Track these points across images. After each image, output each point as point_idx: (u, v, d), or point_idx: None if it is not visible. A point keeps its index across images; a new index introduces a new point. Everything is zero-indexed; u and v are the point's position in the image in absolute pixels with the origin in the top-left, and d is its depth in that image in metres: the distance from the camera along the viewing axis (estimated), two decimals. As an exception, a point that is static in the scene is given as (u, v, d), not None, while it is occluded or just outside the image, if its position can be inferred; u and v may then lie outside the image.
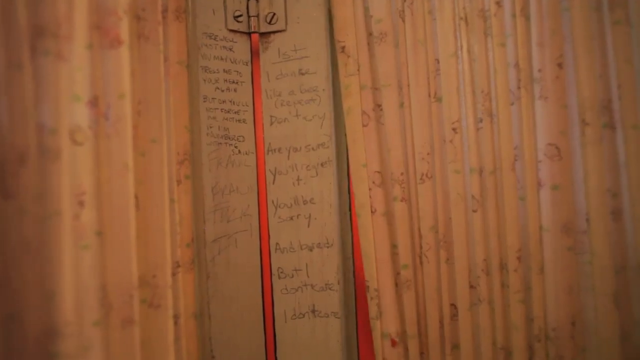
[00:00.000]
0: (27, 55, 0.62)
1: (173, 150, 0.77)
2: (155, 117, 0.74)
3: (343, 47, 0.83)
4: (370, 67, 0.83)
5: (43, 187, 0.62)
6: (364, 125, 0.82)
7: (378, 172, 0.82)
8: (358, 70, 0.83)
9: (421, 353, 0.81)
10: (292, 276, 0.84)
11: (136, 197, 0.71)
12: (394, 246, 0.82)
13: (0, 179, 0.60)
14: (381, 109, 0.82)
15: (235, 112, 0.82)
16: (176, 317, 0.76)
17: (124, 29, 0.70)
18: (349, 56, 0.83)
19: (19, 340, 0.62)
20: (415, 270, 0.81)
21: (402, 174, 0.82)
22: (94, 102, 0.68)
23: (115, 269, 0.69)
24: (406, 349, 0.81)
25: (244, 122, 0.83)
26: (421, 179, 0.81)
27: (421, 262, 0.81)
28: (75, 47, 0.66)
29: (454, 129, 0.80)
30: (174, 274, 0.76)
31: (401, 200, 0.81)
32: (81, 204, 0.66)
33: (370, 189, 0.82)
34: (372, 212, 0.82)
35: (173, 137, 0.77)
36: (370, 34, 0.83)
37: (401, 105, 0.82)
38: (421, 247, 0.81)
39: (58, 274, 0.62)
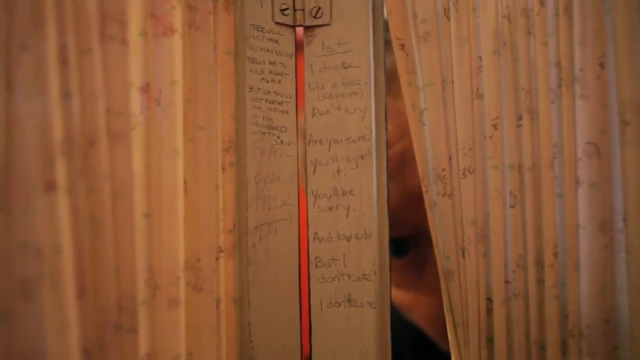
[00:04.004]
0: (96, 40, 0.64)
1: (219, 137, 0.79)
2: (204, 105, 0.76)
3: (403, 45, 0.85)
4: (422, 65, 0.84)
5: (110, 168, 0.65)
6: (423, 125, 0.83)
7: (432, 167, 0.84)
8: (416, 69, 0.84)
9: (465, 343, 0.82)
10: (329, 265, 0.85)
11: (185, 182, 0.73)
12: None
13: (71, 159, 0.63)
14: (433, 107, 0.83)
15: (279, 103, 0.84)
16: (217, 301, 0.78)
17: (178, 18, 0.72)
18: (407, 55, 0.84)
19: (91, 311, 0.64)
20: (458, 262, 0.83)
21: (443, 169, 0.83)
22: (145, 88, 0.70)
23: (162, 251, 0.71)
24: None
25: (286, 113, 0.85)
26: (463, 173, 0.82)
27: (463, 255, 0.82)
28: (130, 34, 0.69)
29: (494, 126, 0.81)
30: (217, 259, 0.78)
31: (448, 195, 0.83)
32: (133, 186, 0.69)
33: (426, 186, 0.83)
34: (433, 204, 0.83)
35: (219, 125, 0.79)
36: (426, 32, 0.83)
37: (446, 102, 0.83)
38: (463, 241, 0.82)
39: (123, 251, 0.65)
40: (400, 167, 0.84)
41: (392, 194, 0.89)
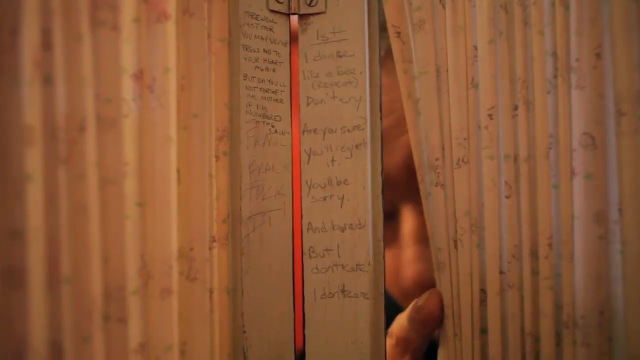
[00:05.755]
0: (86, 26, 0.64)
1: (213, 126, 0.78)
2: (198, 93, 0.76)
3: (399, 33, 0.84)
4: (417, 53, 0.83)
5: (100, 155, 0.64)
6: (419, 114, 0.83)
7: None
8: (412, 57, 0.83)
9: (454, 335, 0.82)
10: (323, 256, 0.85)
11: (178, 170, 0.73)
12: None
13: (59, 146, 0.62)
14: (427, 96, 0.82)
15: (273, 92, 0.83)
16: (210, 291, 0.77)
17: (171, 4, 0.71)
18: (404, 43, 0.84)
19: (75, 300, 0.63)
20: (449, 254, 0.82)
21: (436, 159, 0.82)
22: (138, 75, 0.70)
23: (155, 240, 0.70)
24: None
25: (281, 102, 0.84)
26: (457, 163, 0.81)
27: (455, 246, 0.82)
28: (123, 20, 0.68)
29: (489, 115, 0.80)
30: (210, 249, 0.77)
31: (439, 186, 0.82)
32: (123, 174, 0.68)
33: (423, 175, 0.83)
34: (427, 195, 0.83)
35: (213, 113, 0.79)
36: (421, 20, 0.83)
37: (440, 91, 0.82)
38: (456, 231, 0.81)
39: (112, 240, 0.64)
40: (400, 133, 0.84)
41: (394, 160, 0.89)
